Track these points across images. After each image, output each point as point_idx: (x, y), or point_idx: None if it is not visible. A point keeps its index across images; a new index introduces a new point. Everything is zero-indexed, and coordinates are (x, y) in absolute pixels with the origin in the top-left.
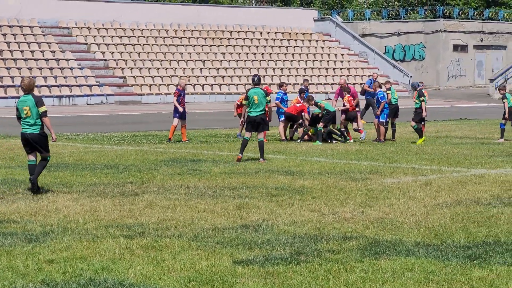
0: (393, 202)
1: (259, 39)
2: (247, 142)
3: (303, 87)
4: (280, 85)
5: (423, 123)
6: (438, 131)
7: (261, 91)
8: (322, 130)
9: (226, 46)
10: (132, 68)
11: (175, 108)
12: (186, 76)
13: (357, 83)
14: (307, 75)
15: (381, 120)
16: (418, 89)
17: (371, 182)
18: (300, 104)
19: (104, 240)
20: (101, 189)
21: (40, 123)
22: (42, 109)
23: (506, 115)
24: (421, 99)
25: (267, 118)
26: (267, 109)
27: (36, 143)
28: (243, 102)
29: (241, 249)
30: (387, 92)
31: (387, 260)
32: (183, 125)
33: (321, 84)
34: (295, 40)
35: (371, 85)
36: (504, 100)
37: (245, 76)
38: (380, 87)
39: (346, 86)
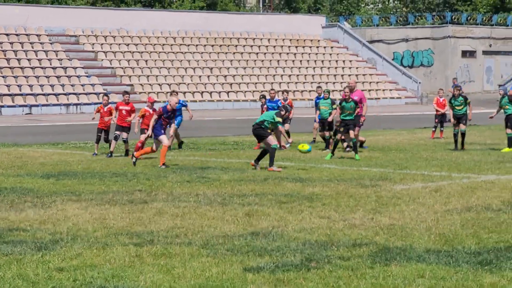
0: (403, 208)
1: (267, 46)
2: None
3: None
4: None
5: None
6: (447, 137)
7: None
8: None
9: (234, 53)
10: (139, 76)
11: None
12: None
13: (366, 90)
14: (315, 82)
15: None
16: (508, 94)
17: (381, 189)
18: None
19: (114, 248)
20: (110, 197)
21: None
22: None
23: None
24: None
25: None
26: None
27: None
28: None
29: (251, 256)
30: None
31: (398, 266)
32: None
33: (330, 90)
34: (303, 47)
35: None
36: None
37: (253, 83)
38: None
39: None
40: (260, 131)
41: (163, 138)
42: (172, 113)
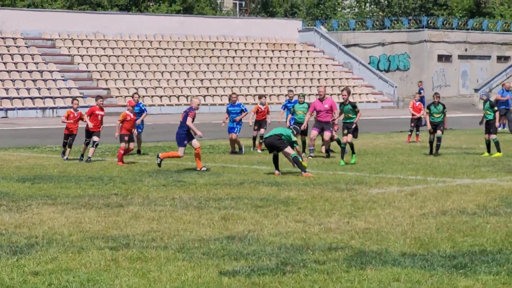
0: (378, 212)
1: (243, 50)
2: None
3: (289, 99)
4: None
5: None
6: (423, 141)
7: None
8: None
9: (210, 57)
10: (116, 80)
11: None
12: (196, 97)
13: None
14: (292, 86)
15: None
16: (489, 99)
17: (357, 193)
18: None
19: (90, 252)
20: (86, 201)
21: None
22: None
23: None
24: (495, 109)
25: None
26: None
27: None
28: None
29: (227, 260)
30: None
31: (373, 270)
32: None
33: (306, 95)
34: (280, 51)
35: (503, 94)
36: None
37: (229, 87)
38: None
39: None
40: (278, 142)
41: (194, 141)
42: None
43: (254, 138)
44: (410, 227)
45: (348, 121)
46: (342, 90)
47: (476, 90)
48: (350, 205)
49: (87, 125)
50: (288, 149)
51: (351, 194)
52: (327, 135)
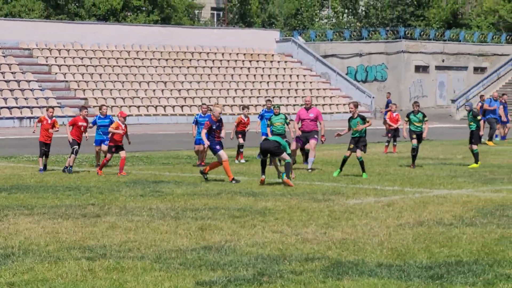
0: (355, 223)
1: (221, 60)
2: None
3: (266, 109)
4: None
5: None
6: (400, 152)
7: None
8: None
9: (188, 67)
10: (93, 90)
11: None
12: (219, 105)
13: (319, 104)
14: (269, 96)
15: None
16: (473, 109)
17: (334, 203)
18: None
19: (66, 262)
20: (62, 211)
21: None
22: None
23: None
24: (478, 118)
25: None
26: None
27: None
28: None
29: (203, 270)
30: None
31: (350, 280)
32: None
33: (283, 105)
34: (257, 61)
35: (491, 104)
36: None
37: (207, 97)
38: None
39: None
40: (275, 149)
41: (222, 154)
42: (219, 122)
43: (241, 146)
44: (387, 238)
45: (356, 135)
46: (348, 104)
47: (453, 101)
48: (327, 215)
49: (68, 136)
50: (284, 155)
51: (328, 205)
52: (312, 142)
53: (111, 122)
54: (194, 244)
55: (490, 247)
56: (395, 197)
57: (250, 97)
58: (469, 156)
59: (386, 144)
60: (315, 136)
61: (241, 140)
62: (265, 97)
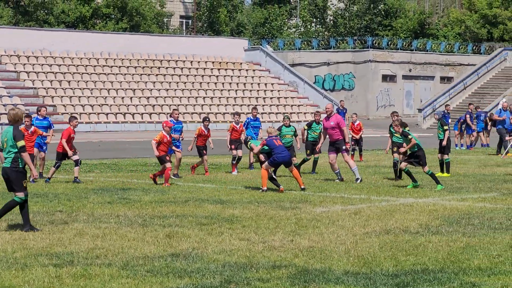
0: (322, 231)
1: (189, 68)
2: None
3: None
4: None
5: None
6: (367, 161)
7: None
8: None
9: (157, 75)
10: (62, 97)
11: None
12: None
13: (287, 112)
14: (237, 104)
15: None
16: (441, 118)
17: (301, 211)
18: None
19: (33, 269)
20: (30, 218)
21: (12, 156)
22: (19, 144)
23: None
24: (445, 128)
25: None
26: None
27: (6, 178)
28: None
29: (171, 278)
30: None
31: None
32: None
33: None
34: (226, 70)
35: (501, 114)
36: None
37: (175, 105)
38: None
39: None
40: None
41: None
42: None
43: (234, 158)
44: (353, 246)
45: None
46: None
47: (420, 110)
48: (294, 223)
49: (67, 150)
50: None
51: (295, 213)
52: (345, 155)
53: (50, 125)
54: (162, 251)
55: (455, 256)
56: (362, 205)
57: (218, 105)
58: (436, 165)
59: (352, 153)
60: (343, 147)
61: (239, 153)
62: (233, 105)
